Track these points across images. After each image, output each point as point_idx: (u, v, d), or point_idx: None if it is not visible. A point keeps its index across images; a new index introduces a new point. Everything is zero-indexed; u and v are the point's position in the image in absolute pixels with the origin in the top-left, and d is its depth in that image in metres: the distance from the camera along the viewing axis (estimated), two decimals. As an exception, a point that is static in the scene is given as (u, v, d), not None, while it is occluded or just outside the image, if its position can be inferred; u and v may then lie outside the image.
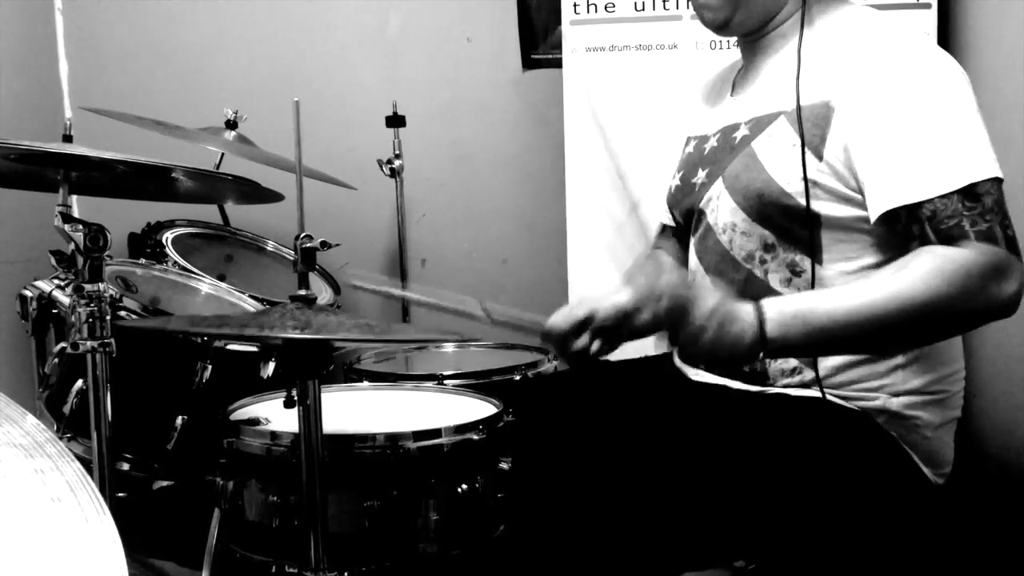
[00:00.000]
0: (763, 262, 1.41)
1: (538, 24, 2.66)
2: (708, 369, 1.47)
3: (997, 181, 1.26)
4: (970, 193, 1.24)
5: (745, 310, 1.24)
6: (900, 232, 1.28)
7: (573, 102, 2.39)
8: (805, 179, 1.33)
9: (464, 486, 1.32)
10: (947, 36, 2.25)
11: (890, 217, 1.28)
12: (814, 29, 1.42)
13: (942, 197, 1.24)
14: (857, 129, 1.30)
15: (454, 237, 2.80)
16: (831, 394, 1.39)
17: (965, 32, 2.32)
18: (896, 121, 1.28)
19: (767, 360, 1.42)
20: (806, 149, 1.33)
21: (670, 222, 1.67)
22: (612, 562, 1.29)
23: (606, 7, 2.35)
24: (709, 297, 1.24)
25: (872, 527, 1.38)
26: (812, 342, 1.27)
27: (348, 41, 2.78)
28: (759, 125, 1.41)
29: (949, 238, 1.24)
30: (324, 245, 1.27)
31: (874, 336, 1.27)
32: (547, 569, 1.32)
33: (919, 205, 1.25)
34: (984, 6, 2.33)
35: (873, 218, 1.29)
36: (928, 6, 2.19)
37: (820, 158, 1.33)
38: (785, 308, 1.25)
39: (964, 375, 1.47)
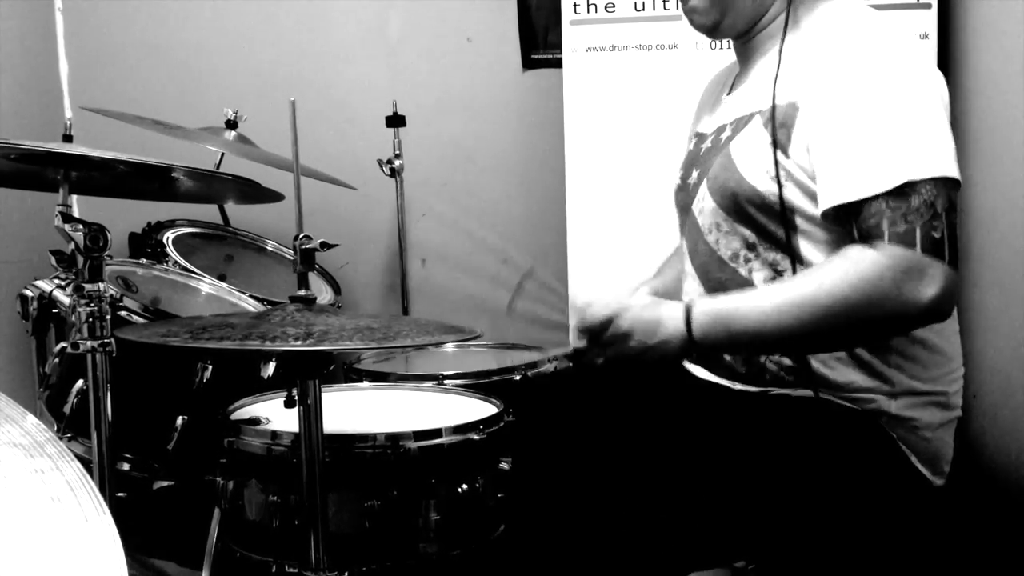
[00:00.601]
0: (747, 261, 1.42)
1: (538, 24, 2.66)
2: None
3: (940, 181, 1.24)
4: (898, 193, 1.23)
5: (673, 316, 1.31)
6: (838, 230, 1.30)
7: (573, 102, 2.39)
8: (778, 179, 1.34)
9: (464, 486, 1.32)
10: (947, 36, 2.25)
11: (835, 216, 1.29)
12: (799, 30, 1.43)
13: (871, 199, 1.24)
14: (815, 129, 1.31)
15: (454, 237, 2.80)
16: (828, 396, 1.39)
17: (965, 32, 2.32)
18: (843, 122, 1.29)
19: (765, 361, 1.42)
20: (777, 149, 1.34)
21: None
22: (612, 562, 1.29)
23: (606, 7, 2.35)
24: (632, 308, 1.32)
25: (872, 527, 1.38)
26: (735, 342, 1.33)
27: (348, 41, 2.79)
28: (738, 125, 1.43)
29: (868, 237, 1.25)
30: (324, 246, 1.27)
31: (791, 338, 1.31)
32: (547, 569, 1.33)
33: (851, 205, 1.26)
34: (984, 6, 2.32)
35: (819, 216, 1.32)
36: (928, 6, 2.19)
37: (787, 156, 1.34)
38: (709, 310, 1.31)
39: (963, 374, 1.47)
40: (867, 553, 1.39)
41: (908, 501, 1.43)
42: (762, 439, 1.36)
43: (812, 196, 1.34)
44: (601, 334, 1.34)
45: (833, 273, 1.25)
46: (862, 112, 1.28)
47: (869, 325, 1.27)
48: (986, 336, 2.28)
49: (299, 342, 1.15)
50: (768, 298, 1.29)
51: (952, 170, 1.25)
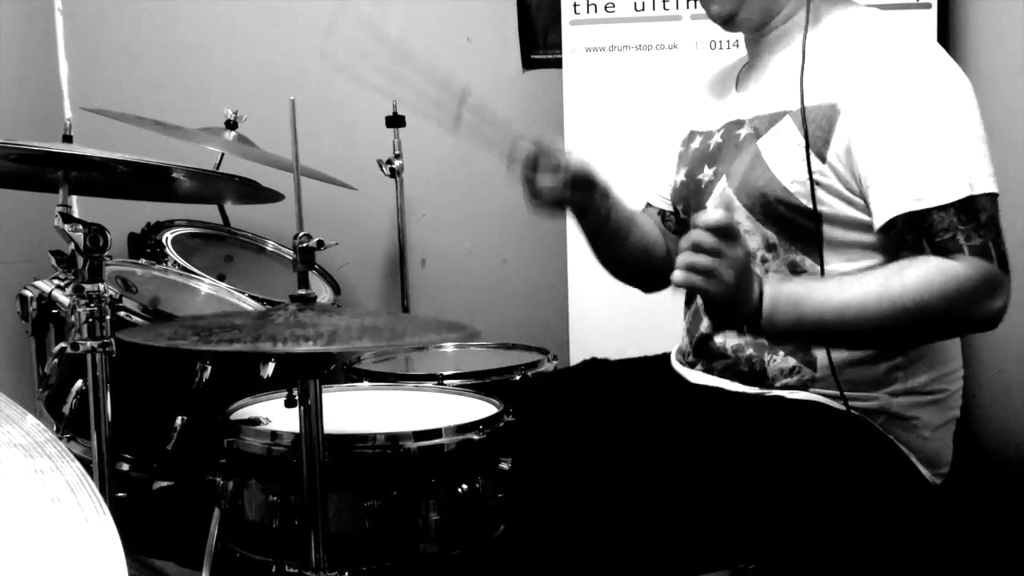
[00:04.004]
0: (764, 261, 1.41)
1: (538, 24, 2.66)
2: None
3: (993, 197, 1.27)
4: (967, 207, 1.25)
5: (755, 286, 1.26)
6: (894, 238, 1.29)
7: (573, 102, 2.39)
8: (811, 180, 1.33)
9: (464, 486, 1.32)
10: (947, 36, 2.25)
11: (889, 223, 1.29)
12: (820, 27, 1.42)
13: (939, 209, 1.25)
14: (861, 134, 1.31)
15: (454, 237, 2.79)
16: (830, 395, 1.39)
17: (965, 32, 2.32)
18: (900, 130, 1.28)
19: (767, 360, 1.42)
20: (810, 150, 1.33)
21: (660, 204, 1.69)
22: (612, 563, 1.29)
23: (606, 7, 2.35)
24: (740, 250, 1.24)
25: (871, 528, 1.38)
26: (800, 329, 1.30)
27: (348, 41, 2.78)
28: (764, 124, 1.41)
29: (944, 250, 1.25)
30: (320, 245, 1.27)
31: (859, 335, 1.31)
32: (547, 569, 1.32)
33: (917, 215, 1.26)
34: (984, 6, 2.33)
35: (877, 225, 1.30)
36: (928, 6, 2.19)
37: (823, 160, 1.33)
38: (781, 292, 1.27)
39: (962, 374, 1.47)
40: (868, 553, 1.39)
41: (907, 501, 1.43)
42: (758, 440, 1.36)
43: (844, 199, 1.34)
44: (713, 243, 1.20)
45: (918, 278, 1.24)
46: (922, 121, 1.28)
47: (939, 330, 1.32)
48: (985, 335, 2.28)
49: (309, 344, 1.15)
50: (847, 290, 1.27)
51: (996, 186, 1.28)
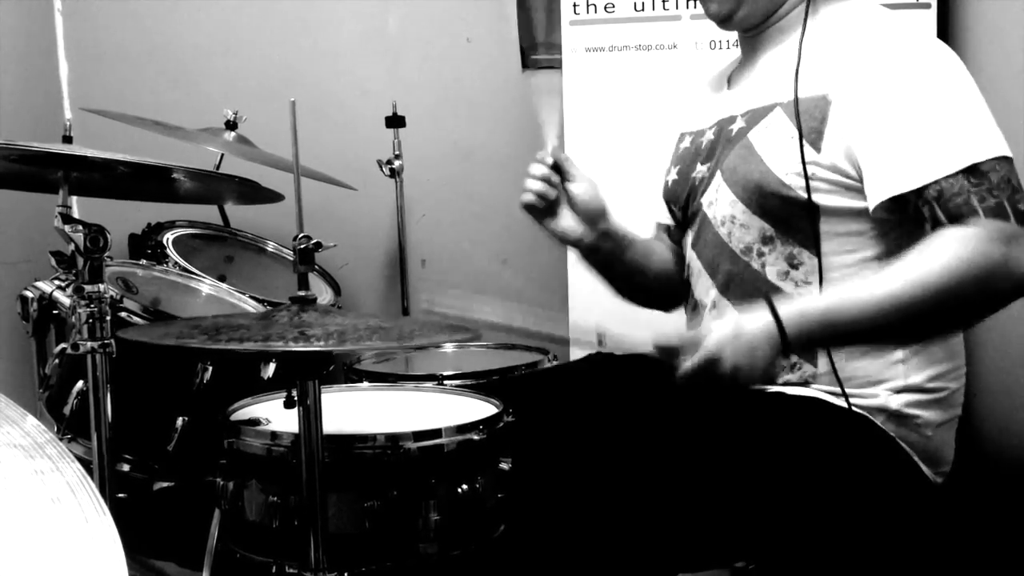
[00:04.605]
0: (761, 255, 1.41)
1: (538, 24, 2.66)
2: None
3: (1004, 160, 1.25)
4: (975, 171, 1.23)
5: (764, 330, 1.24)
6: (911, 216, 1.29)
7: (573, 102, 2.39)
8: (804, 171, 1.34)
9: (464, 486, 1.32)
10: (947, 36, 2.25)
11: (898, 203, 1.28)
12: (815, 22, 1.43)
13: (947, 178, 1.24)
14: (856, 121, 1.31)
15: (454, 237, 2.80)
16: (831, 391, 1.39)
17: (965, 32, 2.32)
18: (896, 108, 1.29)
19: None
20: (803, 141, 1.34)
21: (667, 220, 1.68)
22: (612, 562, 1.29)
23: (606, 7, 2.35)
24: (717, 332, 1.25)
25: (871, 526, 1.38)
26: (841, 338, 1.30)
27: (348, 41, 2.79)
28: (755, 116, 1.42)
29: (959, 216, 1.23)
30: (318, 246, 1.27)
31: (903, 330, 1.28)
32: (547, 569, 1.32)
33: (926, 187, 1.25)
34: (984, 6, 2.32)
35: (873, 205, 1.30)
36: (928, 6, 2.19)
37: (818, 150, 1.33)
38: (805, 312, 1.25)
39: (965, 371, 1.47)
40: (868, 552, 1.39)
41: (908, 499, 1.43)
42: (759, 438, 1.36)
43: (842, 188, 1.34)
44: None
45: (940, 253, 1.21)
46: (916, 97, 1.28)
47: (981, 301, 1.25)
48: (987, 334, 2.28)
49: (320, 343, 1.15)
50: (876, 288, 1.24)
51: (1008, 149, 1.26)
